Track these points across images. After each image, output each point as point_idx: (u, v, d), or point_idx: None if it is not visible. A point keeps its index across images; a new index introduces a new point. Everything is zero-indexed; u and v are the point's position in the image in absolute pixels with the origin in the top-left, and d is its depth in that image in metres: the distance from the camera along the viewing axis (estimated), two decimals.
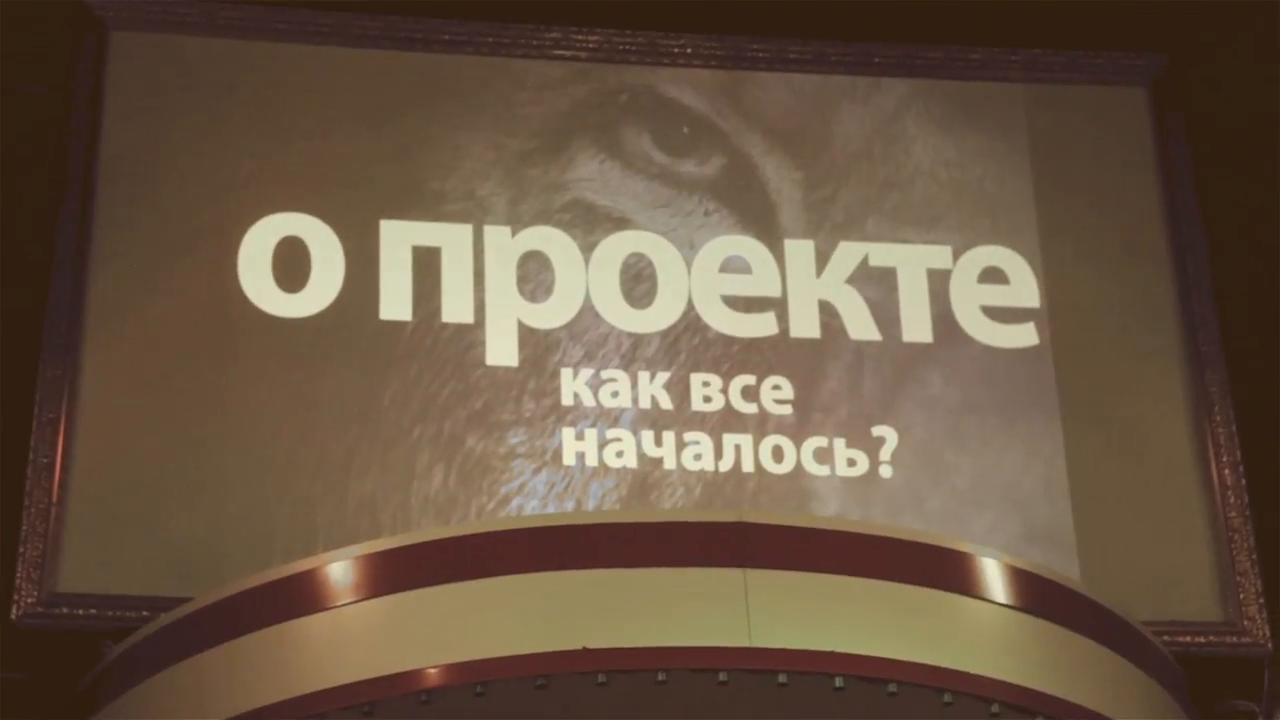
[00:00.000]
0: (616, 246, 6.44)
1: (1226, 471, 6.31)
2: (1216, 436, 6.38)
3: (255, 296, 6.17)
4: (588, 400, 6.19)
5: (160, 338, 6.06)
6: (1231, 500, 6.26)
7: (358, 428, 6.06)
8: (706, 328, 6.35)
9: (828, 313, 6.43)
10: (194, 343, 6.07)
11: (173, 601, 5.26)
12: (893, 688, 4.82)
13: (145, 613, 5.40)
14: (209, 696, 4.92)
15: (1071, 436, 6.31)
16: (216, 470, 5.89)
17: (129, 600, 5.61)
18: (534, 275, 6.36)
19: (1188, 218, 6.74)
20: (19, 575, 5.63)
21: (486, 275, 6.32)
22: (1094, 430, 6.35)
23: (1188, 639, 6.00)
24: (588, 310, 6.34)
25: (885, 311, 6.45)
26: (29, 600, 5.65)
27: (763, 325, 6.39)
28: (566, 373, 6.21)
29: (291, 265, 6.22)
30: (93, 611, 5.63)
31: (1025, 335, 6.50)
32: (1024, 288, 6.56)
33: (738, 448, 6.17)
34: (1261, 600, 6.17)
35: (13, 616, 5.61)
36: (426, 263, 6.31)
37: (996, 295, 6.54)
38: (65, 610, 5.65)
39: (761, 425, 6.22)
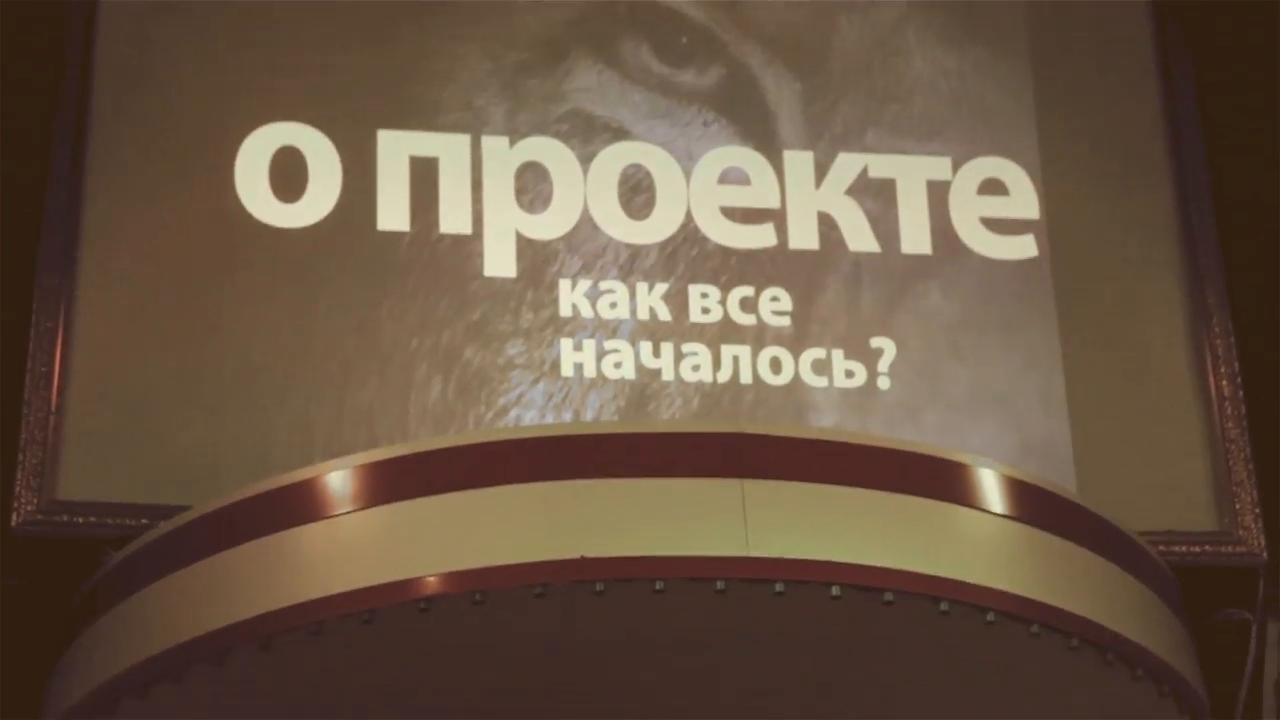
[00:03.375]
0: (615, 157, 6.42)
1: (1224, 383, 6.32)
2: (1215, 348, 6.39)
3: (252, 206, 6.15)
4: (586, 311, 6.19)
5: (157, 248, 6.05)
6: (1229, 411, 6.28)
7: (355, 339, 6.05)
8: (705, 239, 6.34)
9: (827, 224, 6.42)
10: (191, 253, 6.05)
11: (172, 510, 5.28)
12: (889, 596, 4.84)
13: (145, 521, 5.41)
14: (208, 604, 4.94)
15: (1069, 349, 6.32)
16: (214, 381, 5.89)
17: (128, 508, 5.62)
18: (532, 186, 6.34)
19: (1188, 131, 6.71)
20: (18, 483, 5.64)
21: (484, 186, 6.30)
22: (1092, 342, 6.36)
23: (1183, 549, 6.02)
24: (586, 221, 6.32)
25: (884, 223, 6.43)
26: (28, 508, 5.66)
27: (761, 237, 6.38)
28: (565, 284, 6.20)
29: (288, 175, 6.20)
30: (92, 519, 5.64)
31: (1024, 247, 6.49)
32: (1023, 199, 6.55)
33: (736, 359, 6.17)
34: (1257, 510, 6.20)
35: (12, 524, 5.62)
36: (424, 173, 6.29)
37: (996, 207, 6.53)
38: (65, 518, 5.66)
39: (760, 337, 6.22)
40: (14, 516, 5.64)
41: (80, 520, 5.66)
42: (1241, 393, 6.31)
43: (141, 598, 5.10)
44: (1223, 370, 6.35)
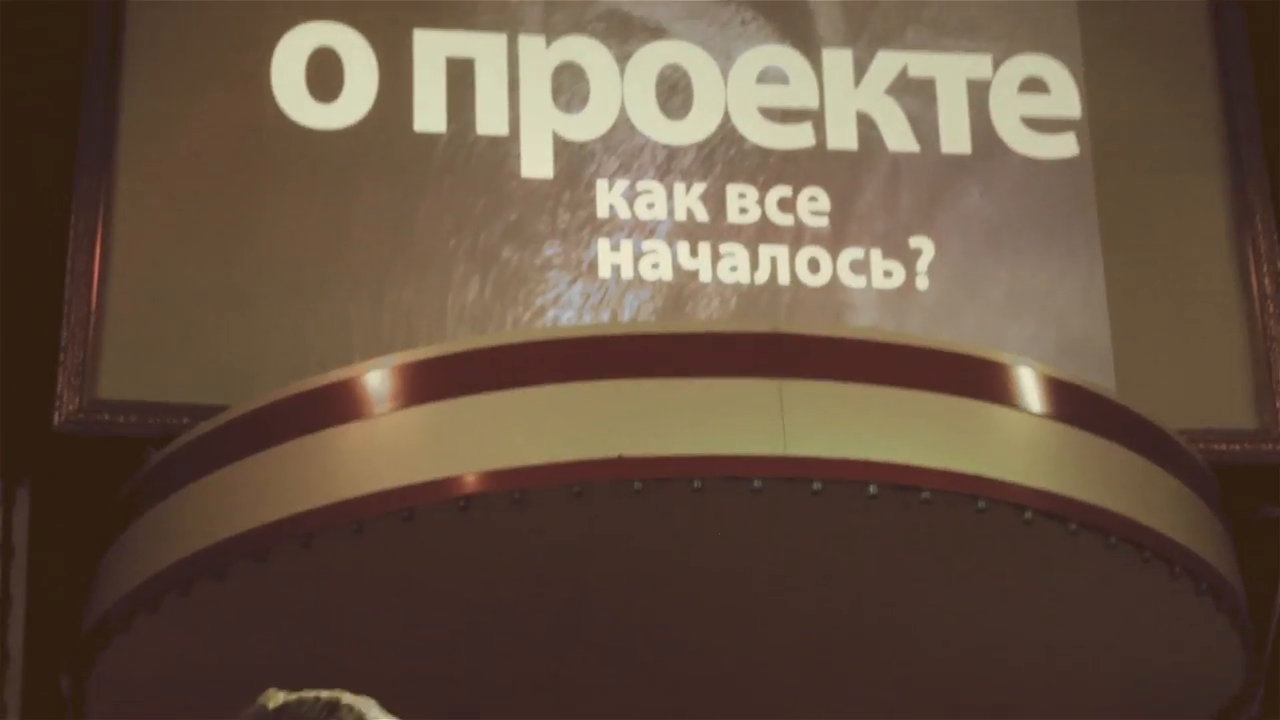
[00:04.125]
0: (652, 57, 6.36)
1: (1266, 280, 6.27)
2: (1257, 246, 6.33)
3: (289, 107, 6.13)
4: (623, 212, 6.16)
5: (194, 149, 6.04)
6: (1271, 309, 6.23)
7: (393, 240, 6.05)
8: (743, 139, 6.30)
9: (866, 124, 6.36)
10: (228, 154, 6.05)
11: (212, 410, 5.31)
12: (926, 495, 4.85)
13: (185, 420, 5.44)
14: (249, 502, 4.98)
15: (1110, 247, 6.27)
16: (253, 282, 5.90)
17: (169, 408, 5.65)
18: (569, 86, 6.30)
19: (1233, 27, 6.62)
20: (60, 382, 5.67)
21: (521, 86, 6.26)
22: (1132, 241, 6.31)
23: (1223, 447, 6.00)
24: (623, 122, 6.28)
25: (924, 122, 6.38)
26: (70, 407, 5.70)
27: (800, 136, 6.33)
28: (602, 184, 6.18)
29: (325, 76, 6.17)
30: (133, 418, 5.67)
31: (1065, 146, 6.43)
32: (1065, 97, 6.48)
33: (774, 260, 6.15)
34: None
35: (54, 423, 5.66)
36: (460, 74, 6.25)
37: (1037, 105, 6.46)
38: (106, 417, 5.69)
39: (798, 237, 6.19)
40: (56, 415, 5.67)
41: (121, 419, 5.69)
42: None
43: (183, 496, 5.14)
44: (1265, 268, 6.30)
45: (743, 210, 6.20)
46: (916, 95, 6.42)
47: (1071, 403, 5.17)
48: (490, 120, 6.22)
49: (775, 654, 5.40)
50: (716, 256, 6.14)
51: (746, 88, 6.37)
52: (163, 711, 5.51)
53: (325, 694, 2.13)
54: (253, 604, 5.09)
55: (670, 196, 6.19)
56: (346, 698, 2.12)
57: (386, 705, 5.78)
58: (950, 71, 6.46)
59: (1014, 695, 5.63)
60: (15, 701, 5.43)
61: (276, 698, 2.14)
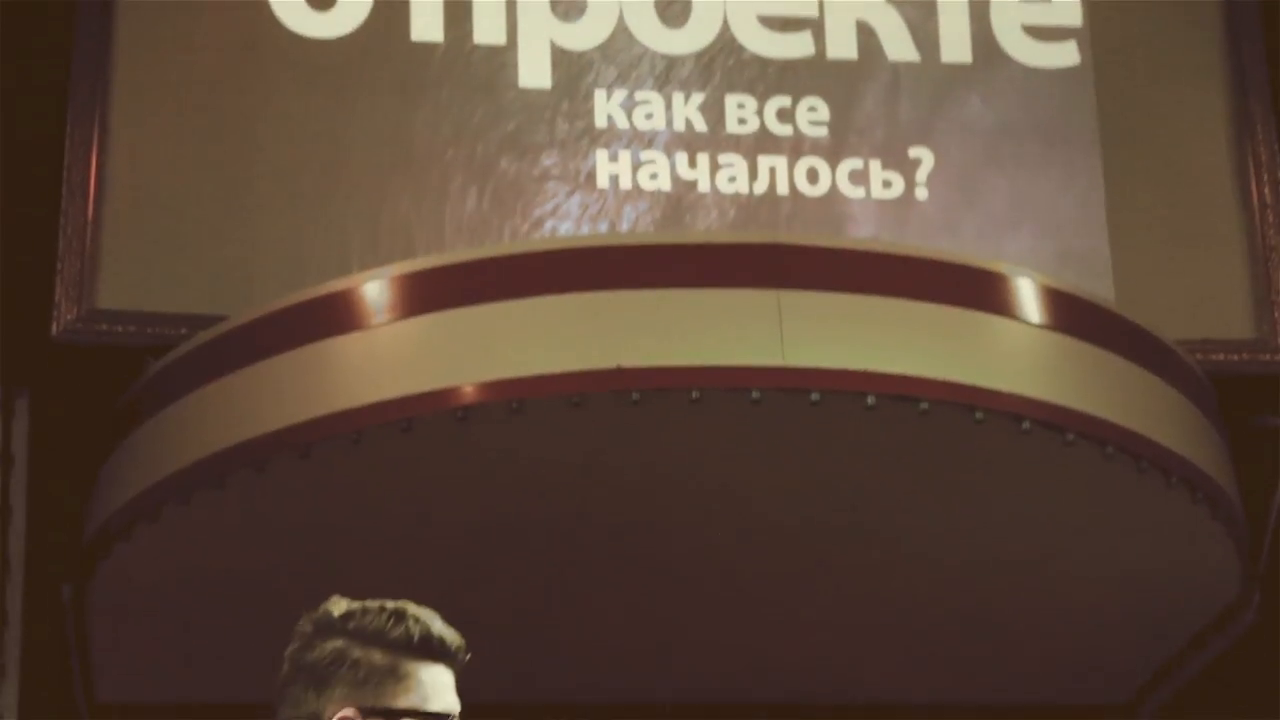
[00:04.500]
0: None
1: (1266, 190, 6.25)
2: (1258, 156, 6.30)
3: (285, 16, 6.08)
4: (621, 122, 6.13)
5: (191, 58, 6.00)
6: (1270, 219, 6.21)
7: (390, 151, 6.02)
8: (742, 48, 6.25)
9: (865, 33, 6.31)
10: (224, 64, 6.00)
11: (211, 320, 5.31)
12: (924, 405, 4.85)
13: (183, 330, 5.44)
14: (248, 412, 4.99)
15: (1110, 157, 6.24)
16: (250, 193, 5.88)
17: (167, 318, 5.64)
18: None
19: None
20: (58, 292, 5.66)
21: None
22: (1133, 151, 6.27)
23: (1221, 356, 6.00)
24: (621, 31, 6.23)
25: (924, 31, 6.33)
26: (69, 317, 5.69)
27: (799, 46, 6.28)
28: (600, 94, 6.14)
29: None
30: (131, 328, 5.67)
31: (1066, 55, 6.38)
32: (1066, 6, 6.42)
33: (772, 170, 6.12)
34: None
35: (53, 332, 5.65)
36: None
37: (1038, 13, 6.41)
38: (104, 326, 5.68)
39: (797, 147, 6.16)
40: (54, 325, 5.67)
41: (120, 329, 5.68)
42: None
43: (182, 406, 5.14)
44: (1265, 178, 6.27)
45: (741, 120, 6.17)
46: (917, 4, 6.36)
47: (1070, 313, 5.16)
48: (488, 29, 6.17)
49: (773, 564, 5.42)
50: (715, 167, 6.11)
51: None
52: (163, 619, 5.54)
53: (391, 604, 2.15)
54: (252, 513, 5.11)
55: (669, 107, 6.15)
56: (411, 608, 2.15)
57: None
58: None
59: (1012, 606, 5.66)
60: (16, 609, 5.46)
61: (340, 604, 2.16)
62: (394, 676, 2.11)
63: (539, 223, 6.01)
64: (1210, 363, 5.82)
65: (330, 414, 4.89)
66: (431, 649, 2.13)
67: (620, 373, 4.83)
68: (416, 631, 2.13)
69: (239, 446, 4.94)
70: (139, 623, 5.54)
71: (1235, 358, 6.05)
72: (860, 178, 6.15)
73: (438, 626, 2.15)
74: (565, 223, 6.00)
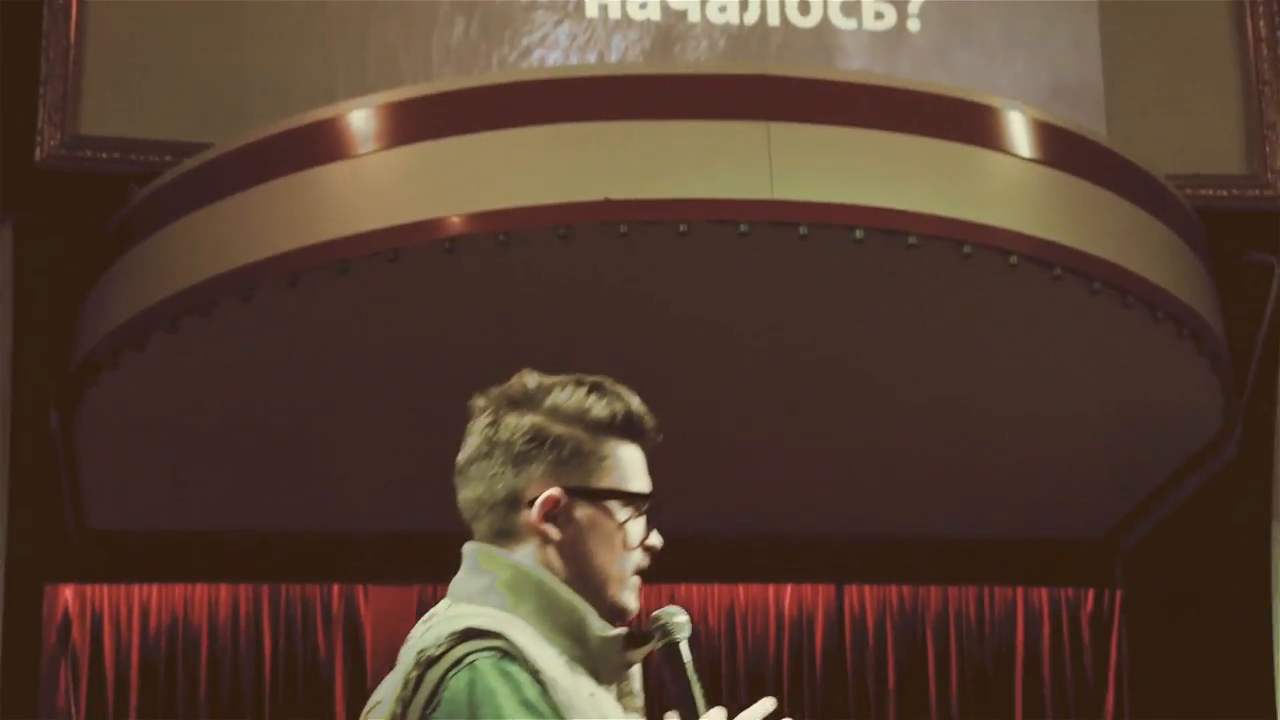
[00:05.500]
0: None
1: (1261, 23, 6.18)
2: None
3: None
4: None
5: None
6: (1264, 54, 6.15)
7: None
8: None
9: None
10: None
11: (196, 147, 5.27)
12: (912, 240, 4.85)
13: (169, 157, 5.40)
14: (234, 241, 4.97)
15: None
16: (236, 19, 5.80)
17: (152, 145, 5.59)
18: None
19: None
20: (40, 117, 5.60)
21: None
22: None
23: (1211, 192, 5.98)
24: None
25: None
26: (52, 142, 5.64)
27: None
28: None
29: None
30: (116, 155, 5.62)
31: None
32: None
33: (763, 0, 6.04)
34: None
35: (36, 158, 5.61)
36: None
37: None
38: (88, 153, 5.63)
39: None
40: (38, 151, 5.62)
41: (104, 156, 5.63)
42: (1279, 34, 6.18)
43: (168, 233, 5.12)
44: (1260, 11, 6.21)
45: None
46: None
47: (1060, 147, 5.14)
48: None
49: (757, 398, 5.44)
50: None
51: None
52: (151, 447, 5.56)
53: (588, 379, 2.11)
54: (239, 343, 5.11)
55: None
56: (609, 384, 2.11)
57: (371, 447, 5.88)
58: None
59: (997, 441, 5.70)
60: (4, 436, 5.47)
61: (533, 378, 2.11)
62: (595, 456, 2.07)
63: (527, 52, 5.94)
64: (1201, 198, 5.80)
65: (317, 243, 4.87)
66: (632, 428, 2.10)
67: (608, 204, 4.81)
68: (619, 409, 2.09)
69: (226, 275, 4.93)
70: (127, 451, 5.56)
71: (1226, 193, 6.03)
72: (852, 9, 6.08)
73: (637, 404, 2.11)
74: (554, 52, 5.94)
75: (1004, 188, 5.06)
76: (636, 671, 2.10)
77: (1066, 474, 5.95)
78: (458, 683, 1.92)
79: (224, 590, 6.21)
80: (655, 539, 2.09)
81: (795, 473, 5.78)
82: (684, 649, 2.07)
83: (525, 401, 2.09)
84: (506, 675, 1.92)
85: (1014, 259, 4.90)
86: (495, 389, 2.12)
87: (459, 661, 1.93)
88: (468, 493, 2.09)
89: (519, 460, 2.06)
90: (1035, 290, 5.01)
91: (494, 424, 2.09)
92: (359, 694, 6.23)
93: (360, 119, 5.04)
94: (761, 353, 5.25)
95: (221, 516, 5.98)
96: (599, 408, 2.08)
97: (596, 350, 5.18)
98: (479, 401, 2.12)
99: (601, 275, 4.95)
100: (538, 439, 2.07)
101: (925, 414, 5.55)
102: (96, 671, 6.12)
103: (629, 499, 2.07)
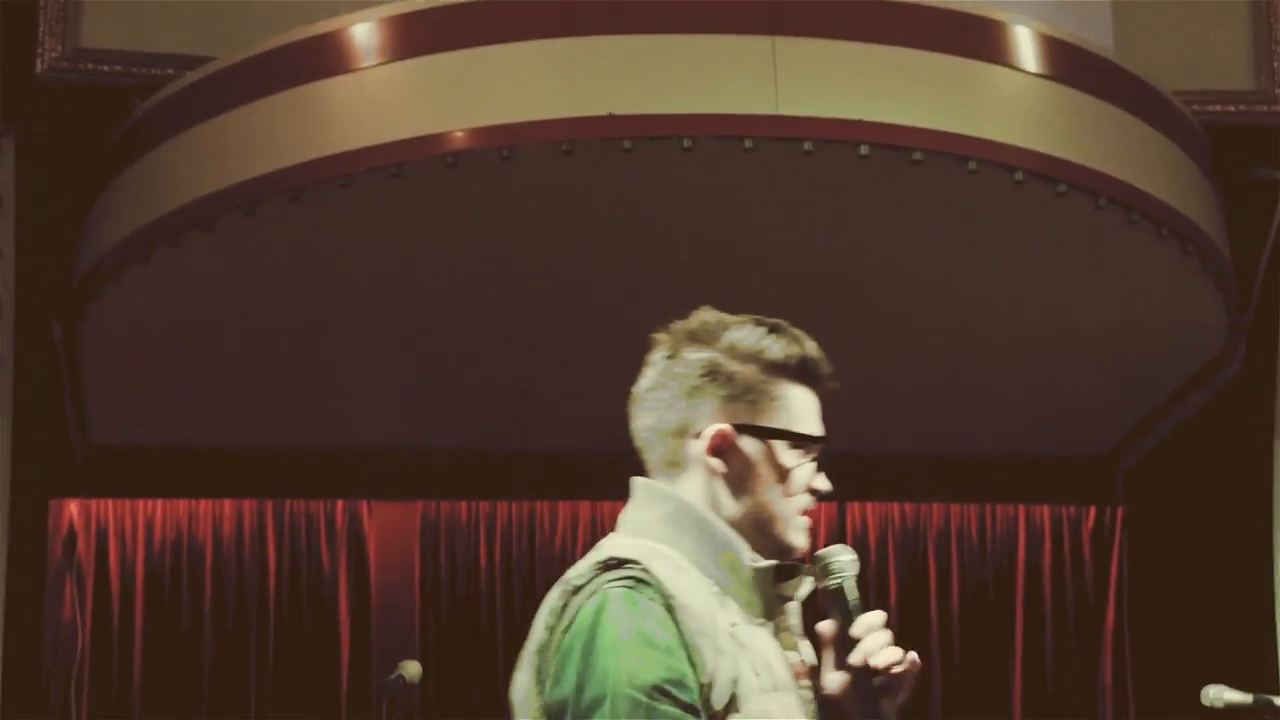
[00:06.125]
0: None
1: None
2: None
3: None
4: None
5: None
6: None
7: None
8: None
9: None
10: None
11: (198, 60, 5.24)
12: (917, 155, 4.83)
13: (171, 71, 5.37)
14: (237, 155, 4.95)
15: None
16: None
17: (154, 58, 5.55)
18: None
19: None
20: (42, 29, 5.56)
21: None
22: None
23: (1217, 108, 5.94)
24: None
25: None
26: (53, 55, 5.60)
27: None
28: None
29: None
30: (118, 68, 5.59)
31: None
32: None
33: None
34: None
35: (37, 71, 5.57)
36: None
37: None
38: (90, 66, 5.60)
39: None
40: (39, 63, 5.58)
41: (106, 68, 5.60)
42: None
43: (171, 147, 5.10)
44: None
45: None
46: None
47: (1066, 62, 5.10)
48: None
49: (761, 314, 5.42)
50: None
51: None
52: (154, 362, 5.57)
53: (767, 320, 2.13)
54: (242, 258, 5.10)
55: None
56: (786, 326, 2.13)
57: (374, 363, 5.84)
58: None
59: (1000, 358, 5.70)
60: (8, 350, 5.47)
61: (712, 315, 2.14)
62: (767, 395, 2.08)
63: None
64: (1207, 114, 5.76)
65: (320, 158, 4.85)
66: (806, 370, 2.11)
67: (612, 119, 4.79)
68: (795, 352, 2.10)
69: (229, 189, 4.91)
70: (130, 365, 5.57)
71: (1233, 109, 5.99)
72: None
73: (811, 348, 2.12)
74: None
75: (1010, 103, 5.03)
76: (795, 608, 2.13)
77: (1069, 391, 5.95)
78: (587, 610, 1.96)
79: (228, 505, 6.24)
80: (823, 482, 2.11)
81: None
82: (849, 588, 2.10)
83: (703, 337, 2.12)
84: (633, 605, 1.95)
85: (1019, 175, 4.88)
86: (677, 324, 2.14)
87: (595, 591, 1.98)
88: (642, 421, 2.12)
89: (692, 393, 2.09)
90: (1040, 206, 4.99)
91: (672, 356, 2.12)
92: (362, 609, 6.28)
93: (363, 32, 5.01)
94: (765, 268, 5.24)
95: (225, 432, 5.99)
96: (775, 348, 2.11)
97: (600, 268, 5.19)
98: (660, 335, 2.15)
99: (605, 190, 4.94)
100: (712, 374, 2.09)
101: (928, 330, 5.55)
102: (102, 585, 6.16)
103: (797, 440, 2.09)
